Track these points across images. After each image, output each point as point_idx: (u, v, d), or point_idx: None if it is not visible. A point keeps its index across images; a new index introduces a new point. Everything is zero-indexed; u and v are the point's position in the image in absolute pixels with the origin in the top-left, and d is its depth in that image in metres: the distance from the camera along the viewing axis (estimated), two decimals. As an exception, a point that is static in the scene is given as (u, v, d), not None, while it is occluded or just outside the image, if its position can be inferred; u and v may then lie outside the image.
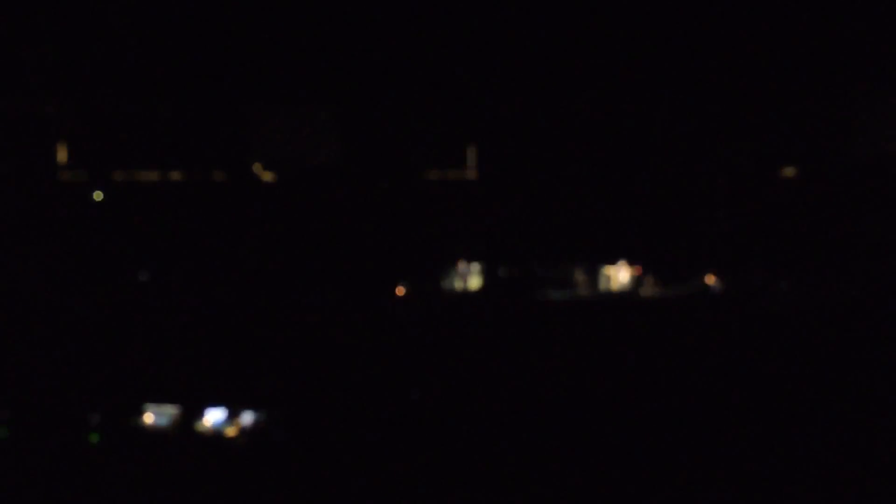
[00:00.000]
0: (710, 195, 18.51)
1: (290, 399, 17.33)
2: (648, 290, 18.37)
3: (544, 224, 19.20)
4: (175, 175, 19.54)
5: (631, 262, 18.72)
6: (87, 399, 17.31)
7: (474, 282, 19.27)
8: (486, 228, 19.61)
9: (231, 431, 16.75)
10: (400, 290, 19.02)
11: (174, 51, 19.20)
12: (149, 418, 16.91)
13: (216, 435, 16.71)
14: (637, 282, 18.58)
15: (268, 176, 19.47)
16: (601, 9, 18.03)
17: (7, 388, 17.60)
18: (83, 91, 19.35)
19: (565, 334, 18.02)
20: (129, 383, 17.79)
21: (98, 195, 18.85)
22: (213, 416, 16.83)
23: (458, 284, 19.25)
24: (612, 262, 18.74)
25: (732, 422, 16.29)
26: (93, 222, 19.34)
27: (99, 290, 18.69)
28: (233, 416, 16.72)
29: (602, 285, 18.76)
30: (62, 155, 19.55)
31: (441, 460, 16.32)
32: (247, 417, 16.69)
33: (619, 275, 18.81)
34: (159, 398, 17.49)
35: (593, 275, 18.93)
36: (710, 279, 18.10)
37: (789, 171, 18.19)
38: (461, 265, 19.34)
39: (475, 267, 19.33)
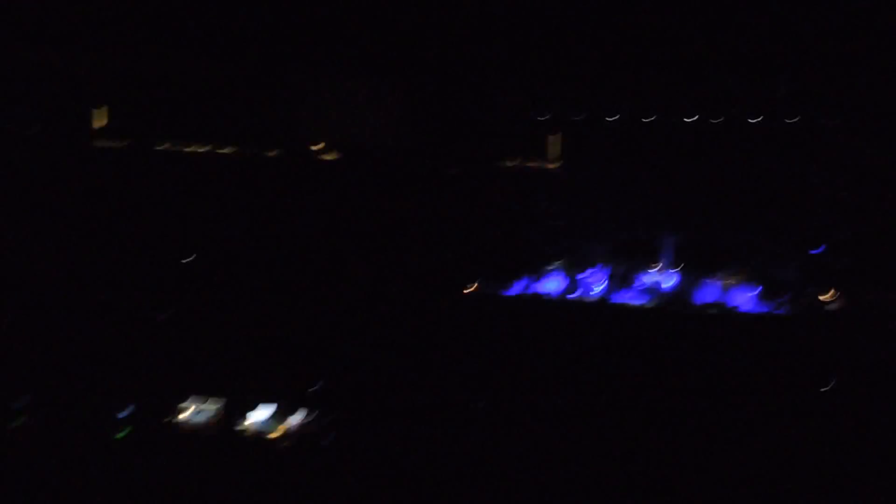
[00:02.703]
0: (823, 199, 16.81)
1: (342, 400, 15.43)
2: (754, 302, 16.52)
3: (636, 227, 17.51)
4: (225, 149, 17.71)
5: (735, 274, 16.90)
6: (121, 390, 15.50)
7: (552, 284, 17.38)
8: (568, 225, 17.81)
9: (276, 433, 14.83)
10: (470, 288, 17.11)
11: (229, 8, 17.33)
12: (185, 415, 15.00)
13: (258, 436, 14.79)
14: (739, 292, 16.73)
15: (327, 155, 17.64)
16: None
17: (31, 372, 15.83)
18: (124, 49, 17.50)
19: (648, 345, 16.09)
20: (169, 374, 15.94)
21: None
22: (258, 416, 14.92)
23: (535, 285, 17.36)
24: (710, 271, 16.90)
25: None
26: (130, 197, 17.52)
27: (139, 271, 16.89)
28: (282, 414, 14.78)
29: (697, 295, 16.88)
30: (99, 120, 17.73)
31: (495, 469, 14.44)
32: (296, 418, 14.77)
33: (717, 283, 16.92)
34: (204, 391, 15.65)
35: (687, 282, 17.10)
36: (828, 294, 16.28)
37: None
38: (540, 264, 17.52)
39: (554, 267, 17.49)
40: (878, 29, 15.76)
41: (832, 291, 16.16)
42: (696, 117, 17.10)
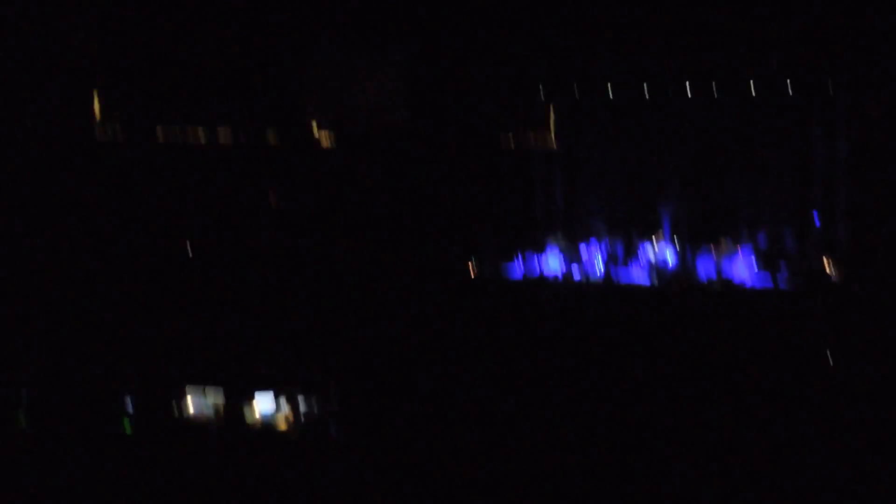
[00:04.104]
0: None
1: (347, 387, 15.45)
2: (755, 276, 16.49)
3: (637, 197, 17.42)
4: (223, 134, 17.61)
5: (734, 241, 16.81)
6: (120, 381, 15.53)
7: (553, 262, 17.33)
8: (568, 203, 17.75)
9: (282, 424, 14.88)
10: (471, 271, 17.08)
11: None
12: (189, 406, 15.05)
13: (265, 427, 14.86)
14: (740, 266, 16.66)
15: (325, 136, 17.53)
16: None
17: (28, 365, 15.88)
18: (120, 34, 17.35)
19: (653, 323, 16.05)
20: (167, 363, 15.98)
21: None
22: (262, 405, 14.96)
23: (535, 262, 17.31)
24: (715, 240, 16.81)
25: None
26: (131, 185, 17.48)
27: (138, 259, 16.91)
28: (287, 404, 14.81)
29: (699, 267, 16.83)
30: (97, 108, 17.65)
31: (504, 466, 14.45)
32: (299, 405, 14.80)
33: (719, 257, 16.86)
34: (201, 380, 15.70)
35: (688, 258, 17.03)
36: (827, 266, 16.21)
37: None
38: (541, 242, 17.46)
39: (555, 245, 17.43)
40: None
41: (836, 262, 16.11)
42: (692, 92, 16.98)
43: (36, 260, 16.81)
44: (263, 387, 15.35)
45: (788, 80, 16.56)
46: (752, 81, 16.64)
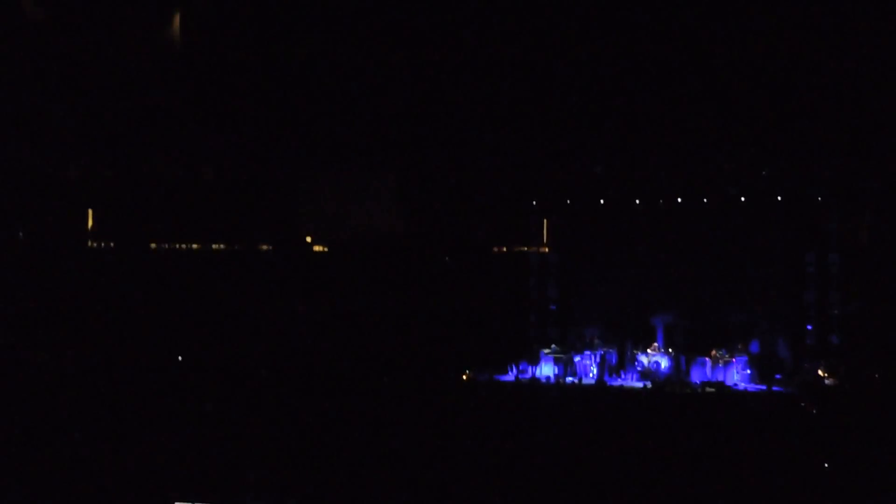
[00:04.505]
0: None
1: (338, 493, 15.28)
2: (750, 380, 16.51)
3: (632, 308, 17.54)
4: (217, 245, 17.77)
5: (729, 352, 16.90)
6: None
7: (548, 369, 17.33)
8: (561, 309, 17.86)
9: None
10: (465, 376, 17.05)
11: (215, 106, 17.41)
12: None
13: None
14: (735, 371, 16.70)
15: (318, 247, 17.70)
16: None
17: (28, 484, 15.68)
18: (113, 153, 17.60)
19: (648, 426, 15.94)
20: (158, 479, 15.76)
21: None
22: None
23: (530, 370, 17.34)
24: (709, 351, 16.91)
25: None
26: (125, 295, 17.53)
27: (130, 372, 16.84)
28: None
29: (693, 374, 16.85)
30: (91, 221, 17.82)
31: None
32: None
33: (715, 363, 16.89)
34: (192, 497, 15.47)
35: (683, 363, 17.07)
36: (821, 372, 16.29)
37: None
38: (535, 348, 17.53)
39: (549, 351, 17.47)
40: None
41: (830, 368, 16.18)
42: (686, 197, 17.27)
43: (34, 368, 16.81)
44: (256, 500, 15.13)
45: (780, 193, 16.93)
46: (744, 193, 17.00)
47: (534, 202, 18.05)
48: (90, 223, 18.05)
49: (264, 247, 17.78)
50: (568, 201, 17.82)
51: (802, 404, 15.64)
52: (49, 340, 17.13)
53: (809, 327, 16.95)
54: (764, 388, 16.14)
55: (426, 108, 16.92)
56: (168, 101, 17.36)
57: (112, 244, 17.92)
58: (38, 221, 17.72)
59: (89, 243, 17.89)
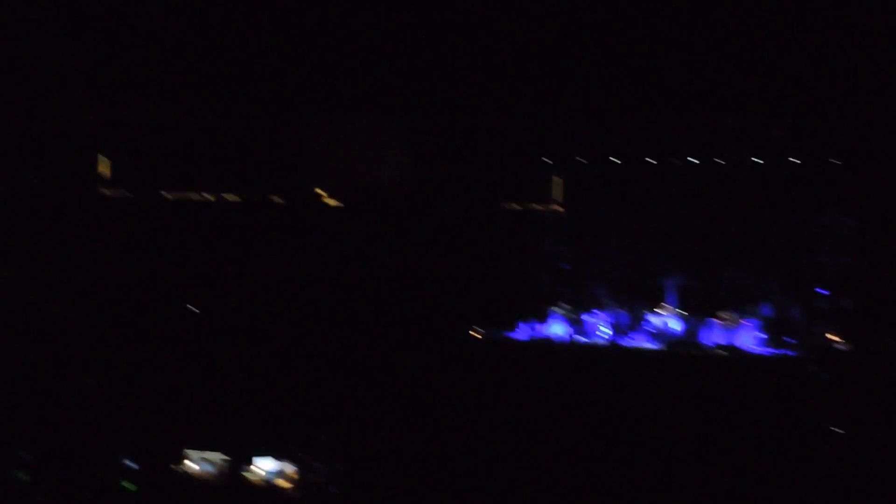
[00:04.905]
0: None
1: (347, 451, 15.33)
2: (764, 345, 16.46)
3: (643, 268, 17.45)
4: (230, 196, 17.68)
5: (740, 314, 16.83)
6: (122, 443, 15.37)
7: (558, 328, 17.31)
8: (572, 268, 17.78)
9: (284, 483, 14.72)
10: (475, 334, 17.03)
11: (227, 58, 17.29)
12: (192, 466, 14.90)
13: (268, 486, 14.69)
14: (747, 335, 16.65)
15: (330, 200, 17.62)
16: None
17: (32, 427, 15.70)
18: (127, 99, 17.49)
19: (659, 388, 15.97)
20: (169, 426, 15.83)
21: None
22: (265, 466, 14.84)
23: (539, 329, 17.30)
24: (720, 313, 16.84)
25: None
26: (137, 244, 17.49)
27: (143, 319, 16.82)
28: (289, 463, 14.71)
29: (704, 336, 16.80)
30: (104, 168, 17.74)
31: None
32: (304, 466, 14.68)
33: (725, 326, 16.85)
34: (201, 445, 15.56)
35: (693, 324, 17.02)
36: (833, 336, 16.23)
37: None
38: (545, 307, 17.47)
39: (559, 311, 17.43)
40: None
41: (842, 332, 16.13)
42: (700, 158, 17.13)
43: (41, 315, 16.75)
44: (265, 451, 15.22)
45: (794, 153, 16.77)
46: (757, 152, 16.84)
47: (546, 159, 17.90)
48: (103, 170, 17.95)
49: (275, 198, 17.66)
50: (581, 159, 17.66)
51: (814, 368, 15.66)
52: (58, 285, 17.11)
53: (822, 291, 16.85)
54: (775, 351, 16.14)
55: (439, 61, 16.81)
56: (181, 48, 17.29)
57: (124, 191, 17.81)
58: (51, 166, 17.63)
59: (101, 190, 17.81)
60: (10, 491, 14.84)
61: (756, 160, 17.01)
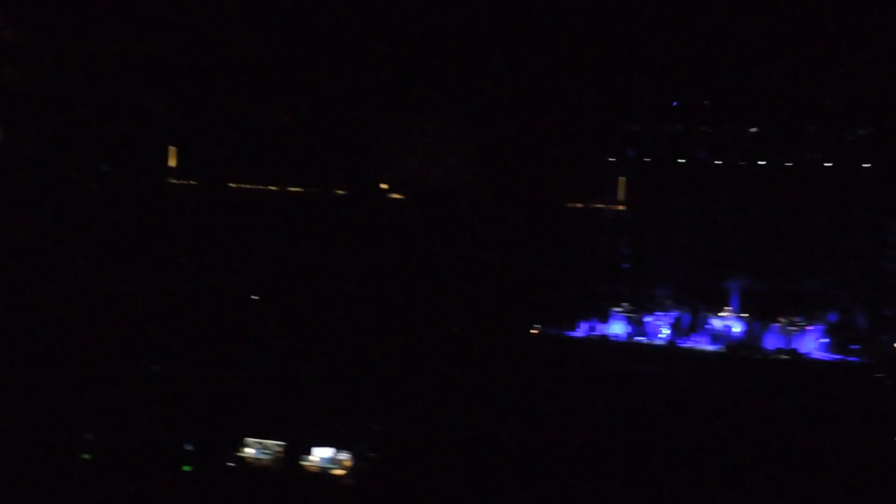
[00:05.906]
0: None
1: (401, 440, 15.38)
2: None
3: (706, 270, 17.33)
4: (294, 188, 17.88)
5: (805, 319, 16.64)
6: (183, 429, 15.57)
7: (618, 327, 17.25)
8: (635, 268, 17.72)
9: (339, 471, 14.84)
10: (534, 331, 17.04)
11: (299, 54, 17.47)
12: (249, 452, 15.07)
13: (323, 473, 14.82)
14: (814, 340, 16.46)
15: (395, 194, 17.74)
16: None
17: (99, 410, 15.98)
18: (196, 90, 17.76)
19: (717, 390, 15.80)
20: (229, 415, 16.01)
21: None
22: (321, 454, 14.97)
23: (600, 327, 17.27)
24: (783, 317, 16.68)
25: None
26: (203, 235, 17.75)
27: (208, 308, 17.05)
28: (345, 451, 14.82)
29: (766, 340, 16.64)
30: (173, 159, 18.03)
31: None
32: (352, 456, 14.78)
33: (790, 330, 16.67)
34: (261, 434, 15.71)
35: (756, 328, 16.86)
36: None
37: None
38: (606, 306, 17.44)
39: (621, 309, 17.38)
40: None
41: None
42: (769, 161, 16.98)
43: (109, 301, 17.05)
44: (320, 440, 15.33)
45: (865, 159, 16.56)
46: (830, 157, 16.67)
47: (611, 159, 17.86)
48: (172, 161, 18.26)
49: (339, 192, 17.82)
50: (646, 159, 17.59)
51: (879, 375, 15.40)
52: (128, 273, 17.41)
53: (889, 298, 16.60)
54: (839, 357, 15.91)
55: (507, 64, 16.83)
56: (252, 45, 17.52)
57: (192, 182, 18.10)
58: (123, 155, 17.96)
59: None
60: (76, 470, 15.09)
61: (828, 165, 16.80)
